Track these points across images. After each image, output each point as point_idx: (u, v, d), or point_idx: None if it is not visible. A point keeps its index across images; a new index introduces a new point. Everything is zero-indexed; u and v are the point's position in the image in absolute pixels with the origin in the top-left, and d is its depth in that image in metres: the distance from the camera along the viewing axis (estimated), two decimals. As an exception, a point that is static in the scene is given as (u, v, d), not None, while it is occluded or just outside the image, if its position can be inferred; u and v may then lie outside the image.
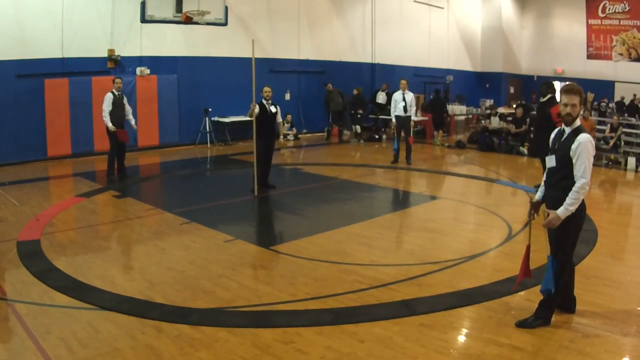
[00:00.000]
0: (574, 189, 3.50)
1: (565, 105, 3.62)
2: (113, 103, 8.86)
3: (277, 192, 8.33)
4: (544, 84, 8.63)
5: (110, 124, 8.81)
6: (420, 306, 4.10)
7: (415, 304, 4.13)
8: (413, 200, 8.22)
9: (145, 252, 5.47)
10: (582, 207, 3.62)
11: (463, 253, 5.39)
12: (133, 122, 9.40)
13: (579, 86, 3.72)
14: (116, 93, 8.94)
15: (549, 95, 8.28)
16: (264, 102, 8.07)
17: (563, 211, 3.53)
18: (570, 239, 3.68)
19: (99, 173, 9.52)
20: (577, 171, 3.51)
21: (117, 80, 9.03)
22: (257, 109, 7.88)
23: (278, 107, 8.34)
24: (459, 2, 20.46)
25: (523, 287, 4.42)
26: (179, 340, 3.56)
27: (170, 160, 11.48)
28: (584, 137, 3.52)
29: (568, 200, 3.52)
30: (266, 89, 8.15)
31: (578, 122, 3.65)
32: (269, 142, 8.25)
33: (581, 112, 3.71)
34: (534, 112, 11.09)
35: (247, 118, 9.93)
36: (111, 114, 8.84)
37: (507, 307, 4.08)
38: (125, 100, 9.20)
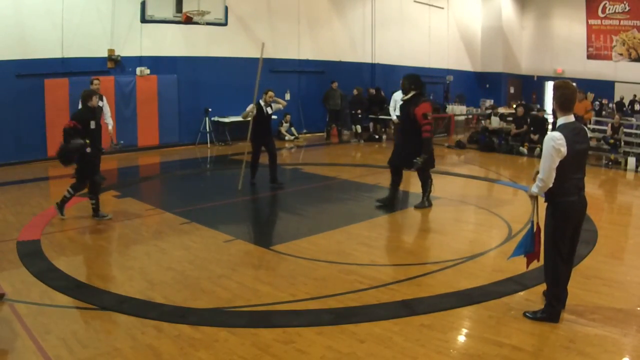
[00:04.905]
0: None
1: None
2: None
3: (277, 192, 8.33)
4: (407, 78, 6.93)
5: None
6: (420, 306, 4.10)
7: (415, 304, 4.13)
8: (413, 200, 8.20)
9: (145, 252, 5.46)
10: (563, 208, 3.65)
11: (463, 253, 5.39)
12: (110, 126, 8.77)
13: (563, 81, 3.71)
14: None
15: (412, 92, 6.83)
16: (262, 103, 8.15)
17: (531, 190, 3.77)
18: (548, 235, 3.74)
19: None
20: None
21: (95, 81, 8.80)
22: (253, 110, 8.00)
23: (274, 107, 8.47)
24: (459, 2, 20.45)
25: (523, 288, 4.43)
26: (179, 340, 3.56)
27: (170, 160, 11.48)
28: (547, 135, 3.63)
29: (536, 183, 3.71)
30: (270, 93, 8.28)
31: (560, 119, 3.64)
32: (264, 141, 8.35)
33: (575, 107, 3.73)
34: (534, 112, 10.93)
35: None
36: None
37: (507, 307, 4.08)
38: (103, 102, 8.77)
